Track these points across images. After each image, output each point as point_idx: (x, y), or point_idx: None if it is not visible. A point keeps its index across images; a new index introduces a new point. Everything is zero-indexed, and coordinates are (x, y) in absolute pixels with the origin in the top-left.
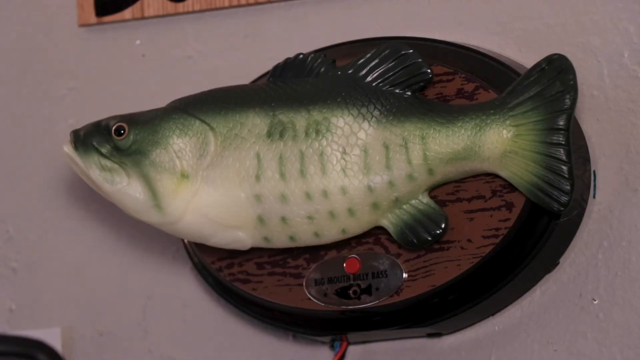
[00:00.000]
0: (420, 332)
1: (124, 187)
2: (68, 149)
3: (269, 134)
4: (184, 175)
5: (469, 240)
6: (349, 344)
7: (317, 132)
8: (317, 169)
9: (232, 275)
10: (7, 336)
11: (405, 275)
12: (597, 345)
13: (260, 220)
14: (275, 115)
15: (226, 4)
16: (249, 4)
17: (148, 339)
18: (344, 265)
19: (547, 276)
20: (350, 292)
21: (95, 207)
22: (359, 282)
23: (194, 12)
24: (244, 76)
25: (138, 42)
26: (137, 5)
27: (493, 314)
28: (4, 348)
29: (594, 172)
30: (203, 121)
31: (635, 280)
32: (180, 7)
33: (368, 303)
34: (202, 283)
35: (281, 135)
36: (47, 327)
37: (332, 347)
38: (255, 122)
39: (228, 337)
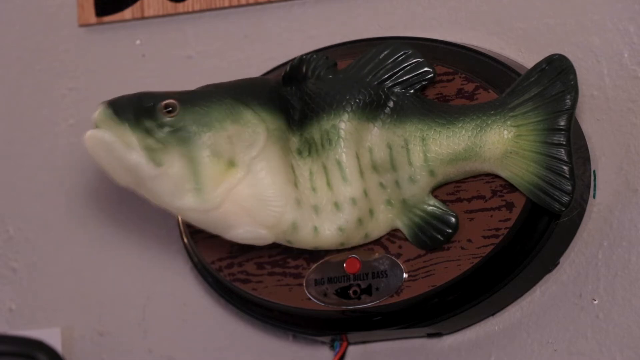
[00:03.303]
0: (420, 332)
1: (166, 168)
2: (106, 114)
3: (299, 152)
4: (232, 163)
5: (469, 240)
6: (349, 344)
7: (330, 141)
8: (338, 178)
9: (232, 275)
10: (7, 336)
11: (405, 275)
12: (597, 345)
13: (294, 226)
14: (302, 135)
15: (226, 4)
16: (249, 4)
17: (148, 339)
18: (344, 265)
19: (547, 276)
20: (350, 292)
21: (95, 207)
22: (359, 282)
23: (194, 12)
24: (244, 76)
25: (138, 42)
26: (137, 5)
27: (493, 314)
28: (4, 348)
29: (594, 172)
30: (256, 112)
31: (635, 280)
32: (180, 7)
33: (368, 303)
34: (202, 283)
35: (309, 153)
36: (47, 327)
37: (332, 347)
38: (289, 137)
39: (228, 337)
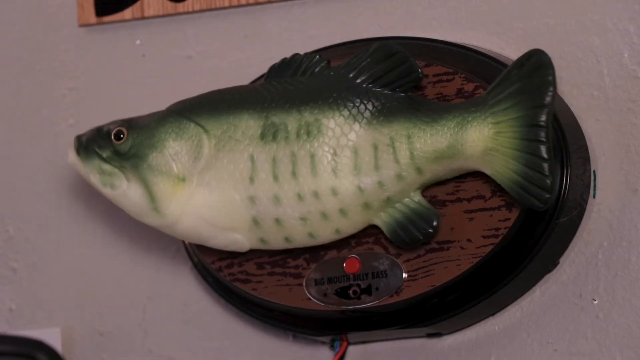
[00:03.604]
0: (420, 332)
1: (124, 191)
2: (71, 156)
3: (262, 136)
4: (180, 178)
5: (469, 240)
6: (349, 344)
7: (309, 133)
8: (308, 170)
9: (232, 275)
10: (7, 336)
11: (405, 275)
12: (597, 345)
13: (255, 222)
14: (268, 117)
15: (226, 4)
16: (249, 4)
17: (148, 339)
18: (344, 265)
19: (547, 276)
20: (350, 292)
21: (95, 207)
22: (359, 282)
23: (194, 12)
24: (244, 76)
25: (138, 42)
26: (137, 5)
27: (493, 314)
28: (4, 348)
29: (594, 172)
30: (197, 124)
31: (635, 280)
32: (180, 7)
33: (368, 303)
34: (202, 283)
35: (274, 137)
36: (47, 327)
37: (332, 347)
38: (249, 124)
39: (228, 337)
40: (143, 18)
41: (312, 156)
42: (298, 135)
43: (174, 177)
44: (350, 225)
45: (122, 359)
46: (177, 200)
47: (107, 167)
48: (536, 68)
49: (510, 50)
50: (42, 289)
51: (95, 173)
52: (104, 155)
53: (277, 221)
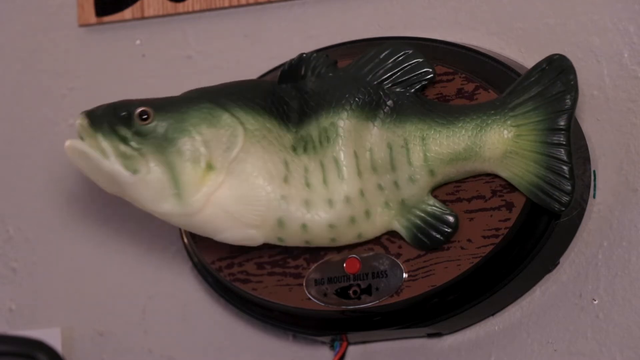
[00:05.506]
0: (420, 332)
1: (143, 175)
2: (83, 125)
3: (294, 148)
4: (210, 167)
5: (469, 240)
6: (349, 344)
7: (328, 138)
8: (335, 176)
9: (232, 275)
10: (7, 336)
11: (405, 275)
12: (597, 345)
13: (280, 223)
14: (297, 132)
15: (226, 4)
16: (249, 4)
17: (148, 339)
18: (344, 265)
19: (547, 276)
20: (350, 292)
21: (95, 207)
22: (359, 282)
23: (194, 12)
24: (244, 76)
25: (138, 42)
26: (137, 5)
27: (493, 314)
28: (4, 348)
29: (594, 172)
30: (233, 115)
31: (635, 280)
32: (180, 7)
33: (368, 303)
34: (202, 283)
35: (305, 150)
36: (47, 327)
37: (332, 347)
38: (281, 134)
39: (228, 337)
40: (143, 18)
41: (336, 161)
42: (320, 143)
43: (204, 165)
44: (372, 228)
45: (122, 359)
46: (204, 190)
47: (126, 148)
48: (558, 72)
49: (510, 50)
50: (42, 289)
51: (112, 155)
52: (124, 135)
53: (304, 226)
